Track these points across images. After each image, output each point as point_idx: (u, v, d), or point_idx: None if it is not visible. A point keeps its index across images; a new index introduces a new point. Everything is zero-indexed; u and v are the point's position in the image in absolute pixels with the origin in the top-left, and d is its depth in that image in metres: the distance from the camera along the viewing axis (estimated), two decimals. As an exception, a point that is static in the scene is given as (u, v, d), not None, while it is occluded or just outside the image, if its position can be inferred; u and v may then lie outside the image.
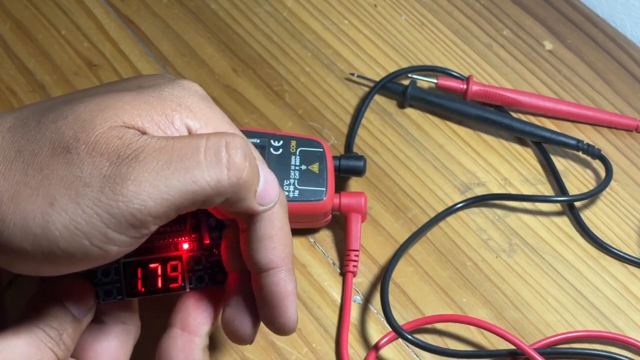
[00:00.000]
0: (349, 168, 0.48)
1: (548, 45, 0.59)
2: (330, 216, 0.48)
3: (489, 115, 0.53)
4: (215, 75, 0.56)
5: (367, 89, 0.56)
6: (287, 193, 0.45)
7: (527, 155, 0.54)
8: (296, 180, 0.46)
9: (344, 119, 0.54)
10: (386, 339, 0.45)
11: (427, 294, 0.47)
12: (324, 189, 0.46)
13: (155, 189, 0.28)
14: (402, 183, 0.52)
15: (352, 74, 0.56)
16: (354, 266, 0.47)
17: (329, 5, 0.60)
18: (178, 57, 0.56)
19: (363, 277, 0.48)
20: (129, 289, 0.35)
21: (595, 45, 0.60)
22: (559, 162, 0.53)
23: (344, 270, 0.47)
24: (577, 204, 0.51)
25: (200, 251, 0.36)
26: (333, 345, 0.45)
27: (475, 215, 0.51)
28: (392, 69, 0.57)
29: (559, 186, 0.52)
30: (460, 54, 0.58)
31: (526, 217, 0.51)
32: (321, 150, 0.47)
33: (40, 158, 0.28)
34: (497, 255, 0.49)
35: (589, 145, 0.52)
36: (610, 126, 0.55)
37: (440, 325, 0.46)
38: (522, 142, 0.54)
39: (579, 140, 0.52)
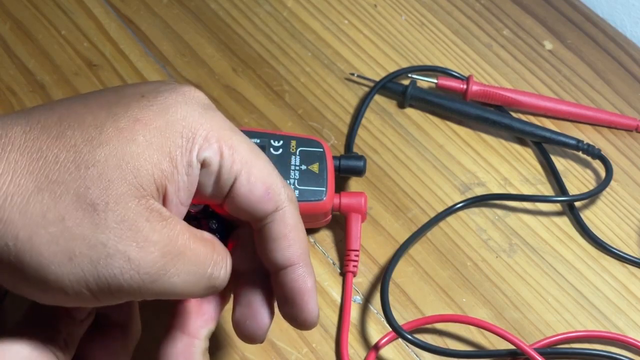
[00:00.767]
0: (349, 168, 0.48)
1: (548, 45, 0.59)
2: (330, 216, 0.48)
3: (489, 115, 0.53)
4: (215, 75, 0.56)
5: (367, 89, 0.56)
6: (287, 193, 0.45)
7: (527, 155, 0.54)
8: (296, 180, 0.46)
9: (344, 119, 0.54)
10: (386, 339, 0.45)
11: (427, 294, 0.47)
12: (324, 189, 0.46)
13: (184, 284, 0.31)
14: (402, 183, 0.52)
15: (352, 74, 0.56)
16: (354, 266, 0.47)
17: (329, 5, 0.60)
18: (178, 57, 0.56)
19: (363, 277, 0.48)
20: None
21: (595, 45, 0.60)
22: (559, 162, 0.53)
23: (344, 270, 0.47)
24: (577, 204, 0.51)
25: None
26: (333, 345, 0.45)
27: (475, 215, 0.51)
28: (392, 69, 0.57)
29: (559, 186, 0.52)
30: (460, 54, 0.58)
31: (526, 217, 0.51)
32: (321, 150, 0.47)
33: (62, 205, 0.28)
34: (497, 255, 0.49)
35: (589, 145, 0.52)
36: (610, 126, 0.55)
37: (440, 325, 0.46)
38: (522, 142, 0.54)
39: (579, 140, 0.52)
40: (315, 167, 0.46)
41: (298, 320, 0.34)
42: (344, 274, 0.48)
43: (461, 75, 0.56)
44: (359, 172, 0.49)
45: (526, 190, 0.52)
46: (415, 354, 0.45)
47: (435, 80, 0.55)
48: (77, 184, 0.28)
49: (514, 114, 0.55)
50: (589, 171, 0.53)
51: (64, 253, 0.28)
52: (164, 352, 0.34)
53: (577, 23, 0.61)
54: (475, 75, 0.56)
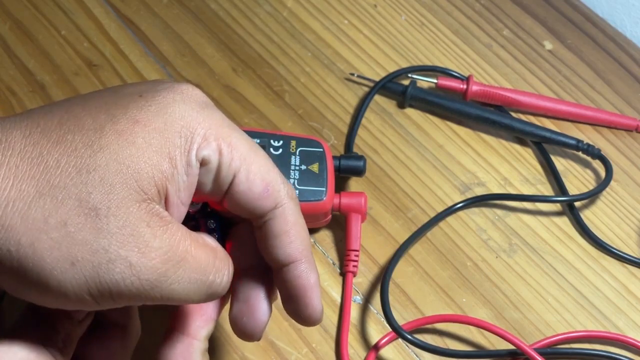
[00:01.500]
0: (349, 168, 0.48)
1: (548, 45, 0.59)
2: (330, 216, 0.47)
3: (489, 115, 0.53)
4: (215, 75, 0.56)
5: (367, 89, 0.56)
6: (287, 193, 0.45)
7: (527, 155, 0.54)
8: (296, 180, 0.46)
9: (344, 119, 0.54)
10: (386, 339, 0.45)
11: (427, 294, 0.47)
12: (324, 189, 0.46)
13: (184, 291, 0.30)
14: (402, 183, 0.52)
15: (352, 74, 0.56)
16: (354, 266, 0.47)
17: (329, 5, 0.60)
18: (178, 57, 0.56)
19: (363, 277, 0.48)
20: None
21: (595, 45, 0.60)
22: (559, 162, 0.53)
23: (344, 270, 0.47)
24: (577, 204, 0.51)
25: None
26: (333, 345, 0.45)
27: (475, 215, 0.51)
28: (392, 69, 0.57)
29: (559, 186, 0.52)
30: (460, 54, 0.58)
31: (526, 217, 0.51)
32: (321, 150, 0.47)
33: (64, 211, 0.28)
34: (497, 255, 0.49)
35: (589, 145, 0.52)
36: (610, 126, 0.55)
37: (440, 325, 0.46)
38: (522, 142, 0.54)
39: (579, 140, 0.52)
40: (315, 167, 0.46)
41: (302, 316, 0.34)
42: (344, 274, 0.48)
43: (461, 75, 0.56)
44: (359, 172, 0.49)
45: (526, 190, 0.52)
46: (415, 354, 0.45)
47: (435, 80, 0.55)
48: (78, 189, 0.28)
49: (514, 114, 0.55)
50: (589, 171, 0.53)
51: (66, 258, 0.28)
52: (163, 353, 0.34)
53: (577, 23, 0.61)
54: (475, 75, 0.56)
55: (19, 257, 0.27)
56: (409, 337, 0.43)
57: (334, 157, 0.48)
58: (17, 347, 0.30)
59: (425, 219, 0.50)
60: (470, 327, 0.46)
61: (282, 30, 0.58)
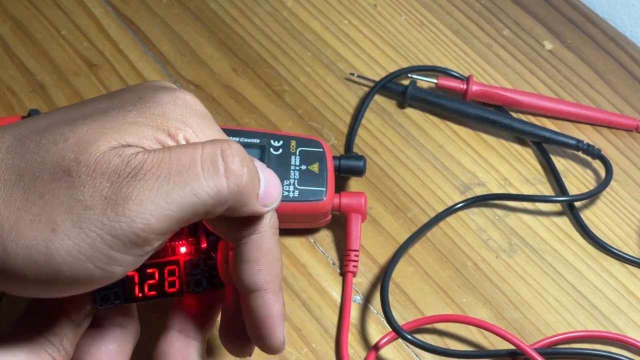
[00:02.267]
0: (349, 168, 0.48)
1: (548, 45, 0.59)
2: (330, 216, 0.47)
3: (489, 115, 0.53)
4: (215, 75, 0.56)
5: (367, 89, 0.56)
6: (287, 193, 0.45)
7: (527, 155, 0.54)
8: (296, 180, 0.46)
9: (344, 119, 0.54)
10: (386, 339, 0.45)
11: (427, 294, 0.47)
12: (324, 189, 0.46)
13: (157, 206, 0.28)
14: (402, 183, 0.52)
15: (352, 74, 0.56)
16: (354, 266, 0.47)
17: (329, 5, 0.60)
18: (178, 57, 0.56)
19: (363, 277, 0.48)
20: (126, 294, 0.34)
21: (595, 45, 0.60)
22: (559, 162, 0.53)
23: (344, 270, 0.47)
24: (577, 204, 0.51)
25: (197, 255, 0.35)
26: (333, 345, 0.45)
27: (475, 215, 0.51)
28: (392, 69, 0.57)
29: (559, 186, 0.52)
30: (460, 54, 0.58)
31: (526, 217, 0.51)
32: (321, 150, 0.47)
33: (41, 183, 0.28)
34: (497, 255, 0.49)
35: (589, 145, 0.52)
36: (610, 126, 0.55)
37: (440, 325, 0.46)
38: (522, 142, 0.54)
39: (579, 140, 0.52)
40: (315, 167, 0.46)
41: (262, 345, 0.34)
42: (344, 274, 0.48)
43: (461, 75, 0.56)
44: (359, 172, 0.49)
45: (526, 190, 0.52)
46: (415, 354, 0.45)
47: (435, 80, 0.55)
48: (54, 157, 0.28)
49: (514, 114, 0.55)
50: (589, 171, 0.53)
51: (47, 227, 0.27)
52: (161, 352, 0.34)
53: (577, 23, 0.61)
54: (475, 75, 0.56)
55: (3, 243, 0.27)
56: (409, 337, 0.43)
57: (334, 157, 0.48)
58: (17, 349, 0.30)
59: (425, 219, 0.50)
60: (470, 327, 0.46)
61: (282, 30, 0.58)
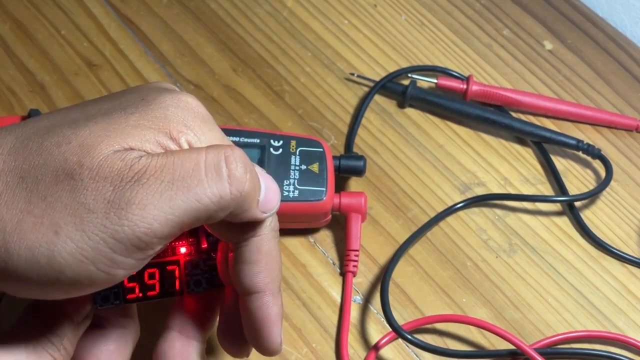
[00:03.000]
0: (349, 168, 0.48)
1: (548, 45, 0.59)
2: (330, 216, 0.47)
3: (489, 115, 0.53)
4: (215, 75, 0.56)
5: (367, 89, 0.56)
6: (287, 193, 0.45)
7: (527, 155, 0.54)
8: (296, 180, 0.46)
9: (344, 119, 0.54)
10: (386, 339, 0.45)
11: (427, 294, 0.47)
12: (324, 189, 0.46)
13: (160, 210, 0.28)
14: (402, 183, 0.52)
15: (352, 74, 0.56)
16: (354, 266, 0.47)
17: (329, 5, 0.60)
18: (178, 57, 0.56)
19: (363, 277, 0.48)
20: (126, 295, 0.34)
21: (595, 45, 0.60)
22: (559, 162, 0.53)
23: (344, 270, 0.47)
24: (577, 204, 0.51)
25: (198, 255, 0.36)
26: (333, 345, 0.45)
27: (475, 215, 0.51)
28: (392, 69, 0.57)
29: (559, 186, 0.52)
30: (460, 54, 0.58)
31: (526, 217, 0.51)
32: (321, 150, 0.47)
33: (44, 185, 0.28)
34: (497, 255, 0.49)
35: (589, 145, 0.52)
36: (610, 126, 0.55)
37: (440, 325, 0.46)
38: (522, 142, 0.54)
39: (579, 140, 0.52)
40: (315, 167, 0.46)
41: (259, 347, 0.34)
42: (344, 274, 0.48)
43: (461, 75, 0.56)
44: (359, 172, 0.49)
45: (526, 190, 0.52)
46: (415, 354, 0.45)
47: (435, 80, 0.55)
48: (56, 161, 0.28)
49: (514, 114, 0.55)
50: (589, 171, 0.53)
51: (50, 229, 0.27)
52: (161, 352, 0.34)
53: (577, 23, 0.61)
54: (475, 75, 0.56)
55: (6, 244, 0.27)
56: (409, 337, 0.43)
57: (334, 157, 0.48)
58: (17, 348, 0.30)
59: (425, 219, 0.50)
60: (470, 327, 0.46)
61: (282, 30, 0.58)
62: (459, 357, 0.44)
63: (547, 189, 0.52)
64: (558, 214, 0.51)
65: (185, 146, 0.30)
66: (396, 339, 0.45)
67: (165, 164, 0.28)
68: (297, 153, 0.47)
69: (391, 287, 0.47)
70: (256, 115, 0.54)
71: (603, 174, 0.51)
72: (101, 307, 0.34)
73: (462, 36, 0.59)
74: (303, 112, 0.54)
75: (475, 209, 0.51)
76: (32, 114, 0.50)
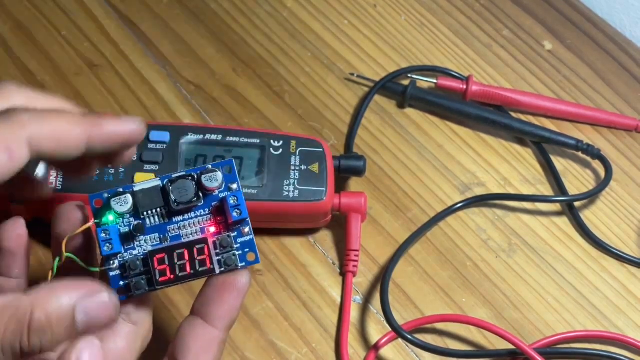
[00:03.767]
0: (349, 168, 0.48)
1: (548, 45, 0.59)
2: (330, 216, 0.48)
3: (489, 115, 0.54)
4: (216, 75, 0.56)
5: (367, 89, 0.56)
6: (287, 193, 0.45)
7: (527, 155, 0.54)
8: (296, 180, 0.46)
9: (344, 119, 0.54)
10: (386, 339, 0.45)
11: (427, 294, 0.47)
12: (324, 189, 0.46)
13: None
14: (402, 183, 0.52)
15: (352, 74, 0.56)
16: (354, 266, 0.47)
17: (329, 5, 0.60)
18: (178, 58, 0.56)
19: (363, 277, 0.48)
20: (158, 279, 0.33)
21: (595, 45, 0.60)
22: (559, 162, 0.53)
23: (344, 270, 0.48)
24: (577, 204, 0.51)
25: (227, 231, 0.34)
26: (333, 345, 0.45)
27: (475, 215, 0.51)
28: (392, 69, 0.57)
29: (559, 186, 0.52)
30: (460, 54, 0.58)
31: (526, 217, 0.51)
32: (321, 150, 0.47)
33: None
34: (497, 255, 0.49)
35: (588, 145, 0.52)
36: (610, 126, 0.55)
37: (440, 325, 0.46)
38: (522, 142, 0.54)
39: (578, 140, 0.52)
40: (315, 167, 0.46)
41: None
42: (344, 274, 0.48)
43: (461, 75, 0.56)
44: (359, 172, 0.49)
45: (526, 190, 0.52)
46: (415, 354, 0.45)
47: (435, 81, 0.55)
48: None
49: (513, 114, 0.55)
50: (588, 171, 0.53)
51: None
52: (182, 335, 0.34)
53: (577, 23, 0.61)
54: (475, 75, 0.56)
55: None
56: (409, 337, 0.43)
57: (334, 157, 0.48)
58: None
59: (425, 219, 0.50)
60: (470, 327, 0.46)
61: (282, 30, 0.58)
62: (459, 357, 0.44)
63: (546, 189, 0.52)
64: (558, 214, 0.51)
65: None
66: (396, 338, 0.45)
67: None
68: (297, 153, 0.47)
69: (391, 287, 0.47)
70: (256, 115, 0.54)
71: (602, 174, 0.52)
72: (136, 295, 0.33)
73: (462, 36, 0.59)
74: (303, 112, 0.54)
75: (475, 209, 0.51)
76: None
